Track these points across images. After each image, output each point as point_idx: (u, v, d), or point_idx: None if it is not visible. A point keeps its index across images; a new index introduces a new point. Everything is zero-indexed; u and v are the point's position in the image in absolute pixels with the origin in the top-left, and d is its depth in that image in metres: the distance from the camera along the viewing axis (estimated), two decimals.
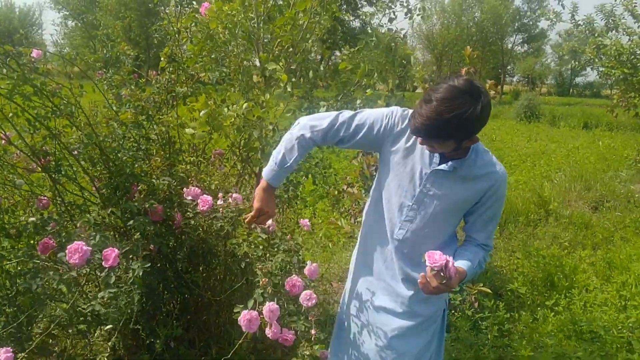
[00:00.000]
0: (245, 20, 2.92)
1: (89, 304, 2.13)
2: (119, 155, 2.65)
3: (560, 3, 9.78)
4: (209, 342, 2.99)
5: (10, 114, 2.40)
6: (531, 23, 54.63)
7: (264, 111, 2.69)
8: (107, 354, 1.93)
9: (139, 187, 2.67)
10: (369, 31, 3.47)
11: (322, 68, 3.34)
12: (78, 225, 2.30)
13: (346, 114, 2.10)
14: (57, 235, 2.36)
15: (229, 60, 3.03)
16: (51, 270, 2.10)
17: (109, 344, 1.93)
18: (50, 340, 2.50)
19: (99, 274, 2.33)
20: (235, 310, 2.06)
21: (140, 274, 2.09)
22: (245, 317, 1.96)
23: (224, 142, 3.14)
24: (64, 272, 2.08)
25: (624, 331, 3.74)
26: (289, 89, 2.97)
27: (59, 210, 2.67)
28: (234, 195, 2.58)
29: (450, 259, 1.82)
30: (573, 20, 9.78)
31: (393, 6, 3.70)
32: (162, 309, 2.80)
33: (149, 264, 2.15)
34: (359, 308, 2.29)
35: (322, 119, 2.09)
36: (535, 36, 56.31)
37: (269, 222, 2.31)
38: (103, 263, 2.01)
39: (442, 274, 1.81)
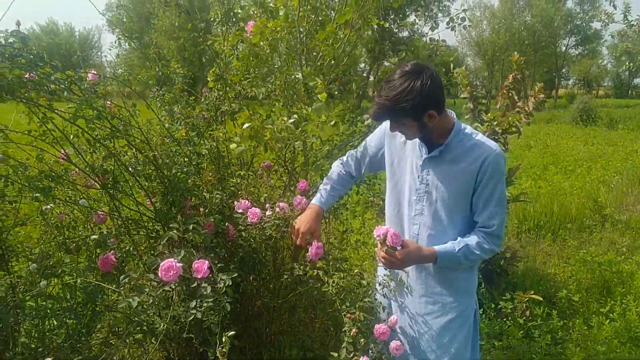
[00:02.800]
0: (288, 35, 3.01)
1: (188, 312, 2.20)
2: (173, 171, 2.77)
3: (611, 4, 9.55)
4: (260, 350, 3.06)
5: (72, 136, 2.54)
6: (584, 24, 53.17)
7: (305, 124, 2.77)
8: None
9: (192, 202, 2.78)
10: (414, 40, 3.50)
11: (371, 78, 3.37)
12: (162, 243, 2.40)
13: (352, 151, 2.58)
14: (118, 250, 2.51)
15: (274, 76, 3.12)
16: (141, 289, 2.20)
17: (220, 348, 2.00)
18: (108, 350, 2.63)
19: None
20: None
21: (230, 283, 2.17)
22: None
23: (270, 154, 3.23)
24: (156, 289, 2.18)
25: None
26: (324, 102, 3.03)
27: (116, 224, 2.80)
28: (281, 204, 2.65)
29: (392, 230, 2.03)
30: (626, 21, 9.55)
31: (433, 14, 3.72)
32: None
33: (237, 274, 2.24)
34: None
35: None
36: (590, 37, 54.65)
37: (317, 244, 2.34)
38: (194, 274, 2.11)
39: (386, 243, 2.02)
